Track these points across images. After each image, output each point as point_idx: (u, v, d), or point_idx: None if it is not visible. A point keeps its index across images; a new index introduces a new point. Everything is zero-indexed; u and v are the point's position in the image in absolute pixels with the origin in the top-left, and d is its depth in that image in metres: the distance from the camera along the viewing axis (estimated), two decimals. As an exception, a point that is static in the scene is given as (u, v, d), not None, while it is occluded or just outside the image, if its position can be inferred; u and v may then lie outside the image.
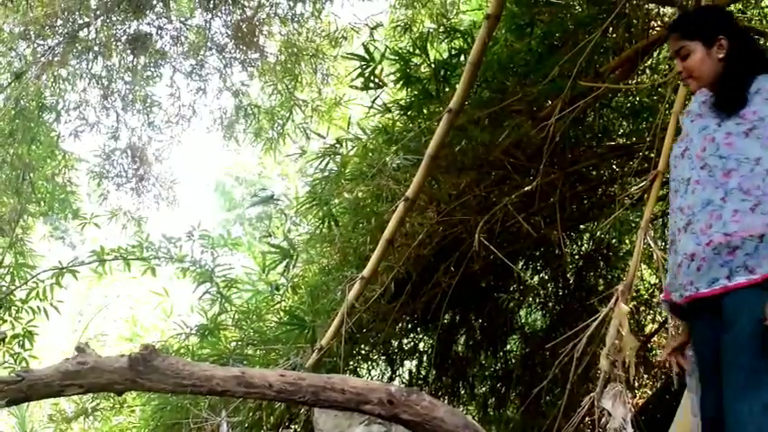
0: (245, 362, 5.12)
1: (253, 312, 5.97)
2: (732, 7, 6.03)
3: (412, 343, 6.67)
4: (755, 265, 2.25)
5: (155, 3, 7.93)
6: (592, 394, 3.03)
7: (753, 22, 6.09)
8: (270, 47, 8.53)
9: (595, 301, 6.15)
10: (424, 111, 5.36)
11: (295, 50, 8.39)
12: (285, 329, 5.18)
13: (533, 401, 5.50)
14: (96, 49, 7.92)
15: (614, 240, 6.63)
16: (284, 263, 5.43)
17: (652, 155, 4.01)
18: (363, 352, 6.15)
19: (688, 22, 2.60)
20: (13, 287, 6.36)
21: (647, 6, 5.39)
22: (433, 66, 5.23)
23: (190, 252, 6.50)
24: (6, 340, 6.08)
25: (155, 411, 5.69)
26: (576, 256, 6.81)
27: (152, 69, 8.66)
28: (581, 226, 6.68)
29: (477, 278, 5.93)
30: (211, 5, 8.07)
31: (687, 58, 2.49)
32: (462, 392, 6.68)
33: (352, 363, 5.97)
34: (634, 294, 6.83)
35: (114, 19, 7.89)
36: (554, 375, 3.99)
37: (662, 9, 5.62)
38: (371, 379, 6.07)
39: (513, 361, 6.82)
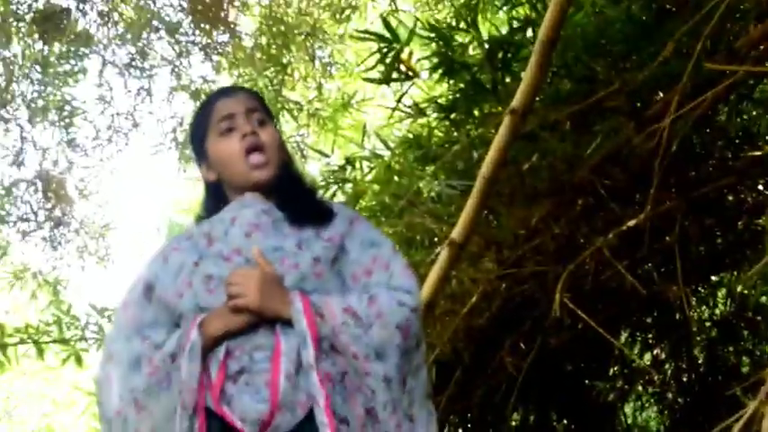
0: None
1: None
2: None
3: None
4: None
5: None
6: None
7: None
8: (245, 24, 8.62)
9: (738, 390, 6.11)
10: (475, 112, 5.39)
11: (282, 29, 8.45)
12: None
13: None
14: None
15: (764, 298, 6.59)
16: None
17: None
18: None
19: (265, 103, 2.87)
20: None
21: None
22: (486, 46, 5.27)
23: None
24: None
25: None
26: (708, 323, 6.78)
27: (72, 61, 8.73)
28: (713, 278, 6.65)
29: (559, 358, 5.92)
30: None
31: (264, 124, 2.67)
32: None
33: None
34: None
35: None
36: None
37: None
38: None
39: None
